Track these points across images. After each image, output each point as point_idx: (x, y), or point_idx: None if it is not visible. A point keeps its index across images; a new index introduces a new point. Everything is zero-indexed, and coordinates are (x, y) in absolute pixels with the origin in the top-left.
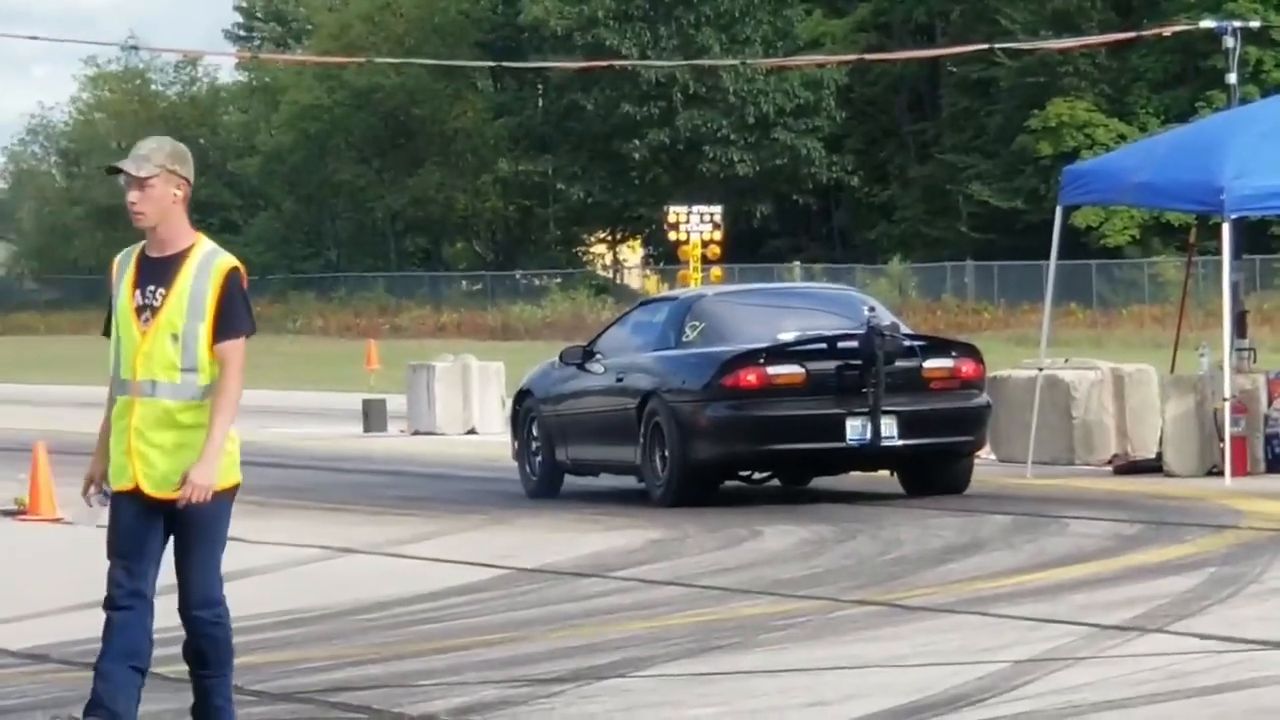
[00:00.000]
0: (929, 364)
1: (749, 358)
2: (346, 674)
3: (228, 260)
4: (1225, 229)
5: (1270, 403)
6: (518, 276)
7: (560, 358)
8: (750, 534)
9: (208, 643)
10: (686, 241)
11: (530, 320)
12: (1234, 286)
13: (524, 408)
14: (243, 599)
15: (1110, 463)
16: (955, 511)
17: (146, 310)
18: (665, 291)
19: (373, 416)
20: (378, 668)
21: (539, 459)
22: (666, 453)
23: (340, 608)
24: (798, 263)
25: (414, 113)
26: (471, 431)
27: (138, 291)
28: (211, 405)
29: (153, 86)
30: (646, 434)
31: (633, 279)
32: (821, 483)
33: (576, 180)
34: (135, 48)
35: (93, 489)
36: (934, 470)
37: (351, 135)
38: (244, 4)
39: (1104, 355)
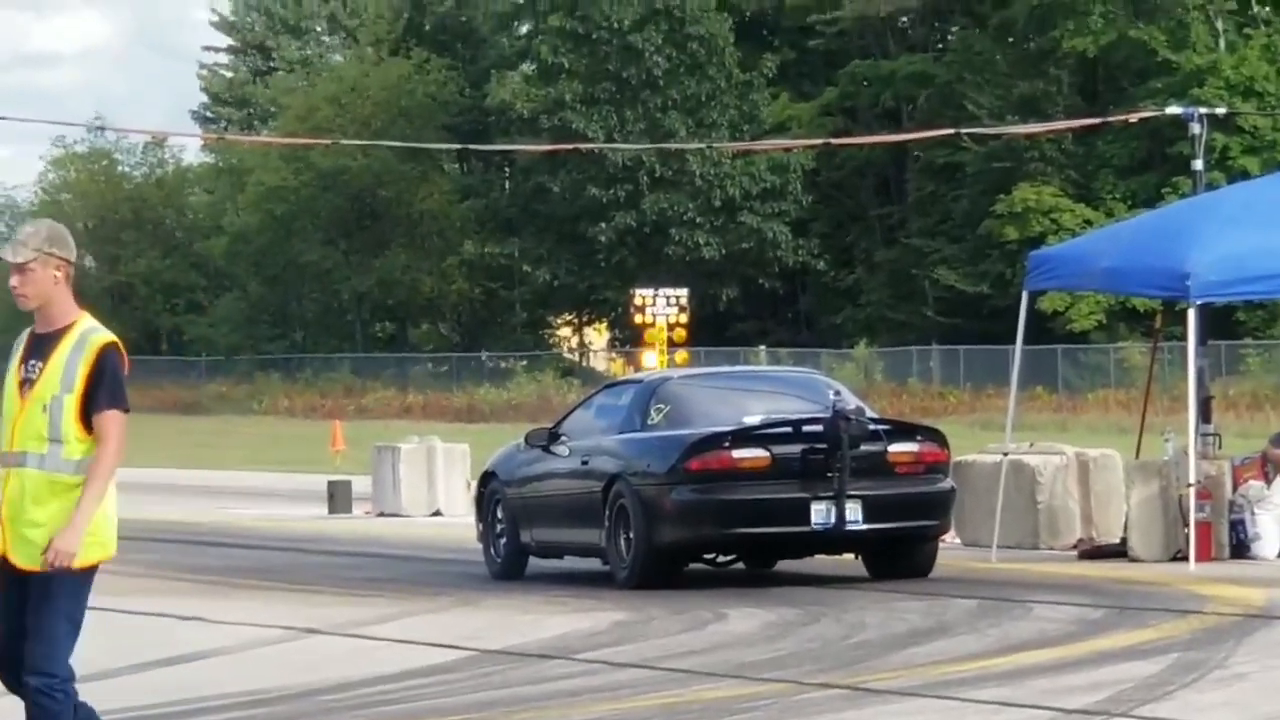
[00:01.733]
0: (894, 448)
1: (714, 441)
2: None
3: (104, 336)
4: (1191, 314)
5: (1234, 489)
6: (483, 358)
7: (525, 440)
8: (715, 616)
9: (37, 712)
10: (652, 324)
11: (496, 402)
12: (1199, 372)
13: (489, 490)
14: (206, 679)
15: (1075, 547)
16: (920, 595)
17: (27, 384)
18: (630, 374)
19: (338, 498)
20: None
21: (503, 540)
22: (631, 535)
23: (304, 688)
24: (763, 346)
25: (380, 194)
26: (436, 513)
27: (23, 366)
28: (87, 477)
29: (119, 167)
30: (611, 516)
31: (598, 361)
32: (787, 565)
33: (542, 262)
34: (102, 128)
35: None
36: (898, 554)
37: (318, 217)
38: (209, 86)
39: (1069, 440)
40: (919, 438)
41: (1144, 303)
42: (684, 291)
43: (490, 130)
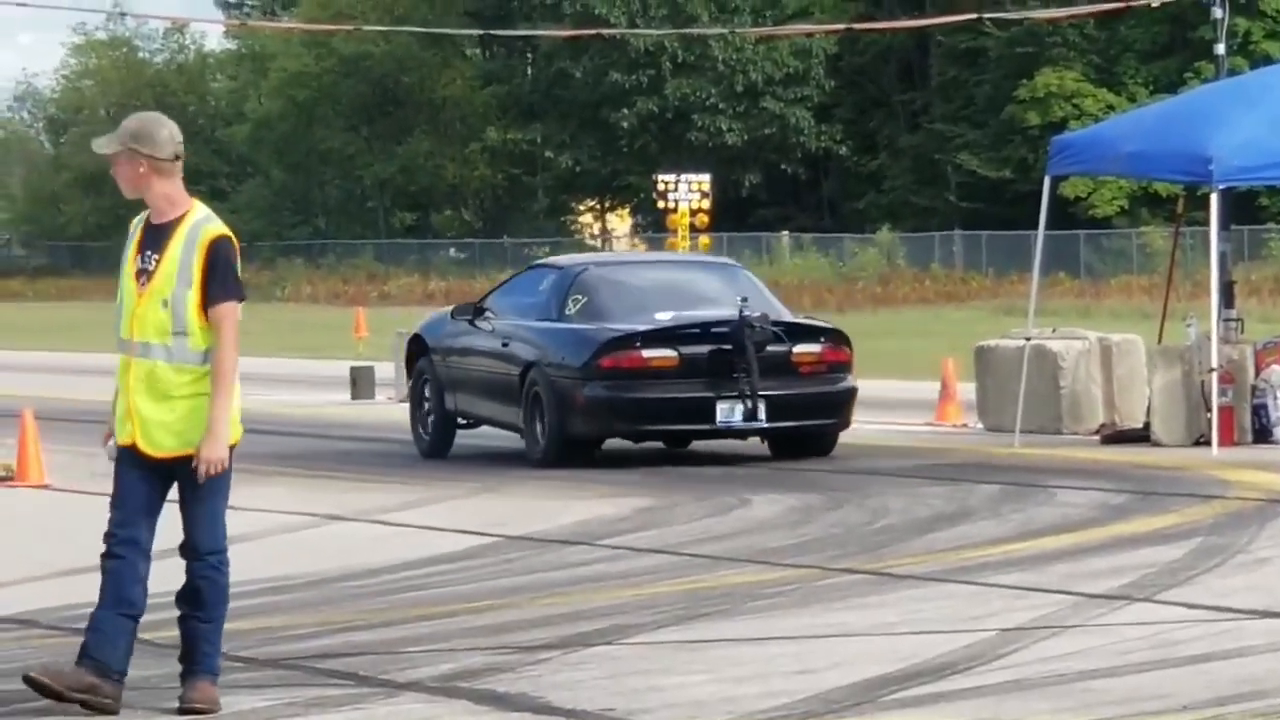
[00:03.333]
0: (798, 349)
1: (626, 340)
2: (334, 640)
3: (215, 228)
4: (1214, 199)
5: (1257, 373)
6: (506, 244)
7: (452, 312)
8: (739, 502)
9: (205, 584)
10: (675, 210)
11: None
12: (1222, 257)
13: (418, 362)
14: (230, 566)
15: (1097, 432)
16: (942, 480)
17: (144, 275)
18: (551, 257)
19: (360, 384)
20: (365, 634)
21: (428, 407)
22: (545, 421)
23: (328, 575)
24: (786, 233)
25: (402, 81)
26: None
27: (139, 255)
28: (210, 377)
29: (140, 54)
30: (527, 401)
31: (621, 247)
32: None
33: (565, 148)
34: (123, 14)
35: (111, 440)
36: (802, 444)
37: (340, 103)
38: None
39: (1091, 325)
40: (822, 339)
41: (1166, 187)
42: (706, 177)
43: (512, 16)
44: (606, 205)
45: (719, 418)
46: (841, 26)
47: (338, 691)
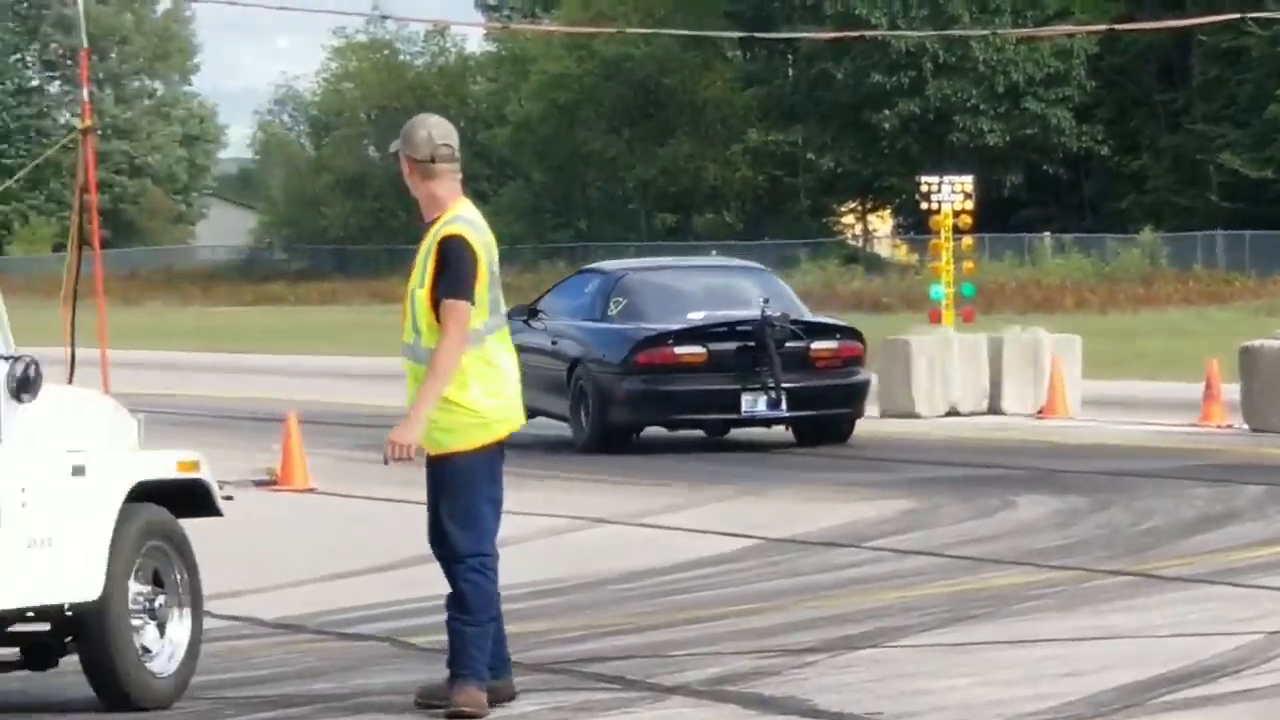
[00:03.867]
0: (815, 345)
1: (660, 339)
2: (600, 644)
3: (448, 228)
4: None
5: None
6: (767, 246)
7: (508, 315)
8: (1003, 504)
9: (464, 587)
10: (938, 211)
11: None
12: None
13: None
14: (500, 568)
15: None
16: (1208, 481)
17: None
18: (598, 263)
19: None
20: (631, 638)
21: None
22: (589, 412)
23: (594, 578)
24: (1047, 234)
25: (664, 83)
26: None
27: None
28: (427, 368)
29: (400, 57)
30: (574, 394)
31: (882, 248)
32: (1078, 454)
33: (826, 150)
34: (383, 17)
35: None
36: (820, 430)
37: (601, 105)
38: None
39: None
40: (837, 336)
41: None
42: (969, 179)
43: (773, 17)
44: (868, 207)
45: (744, 408)
46: (1103, 27)
47: (605, 695)
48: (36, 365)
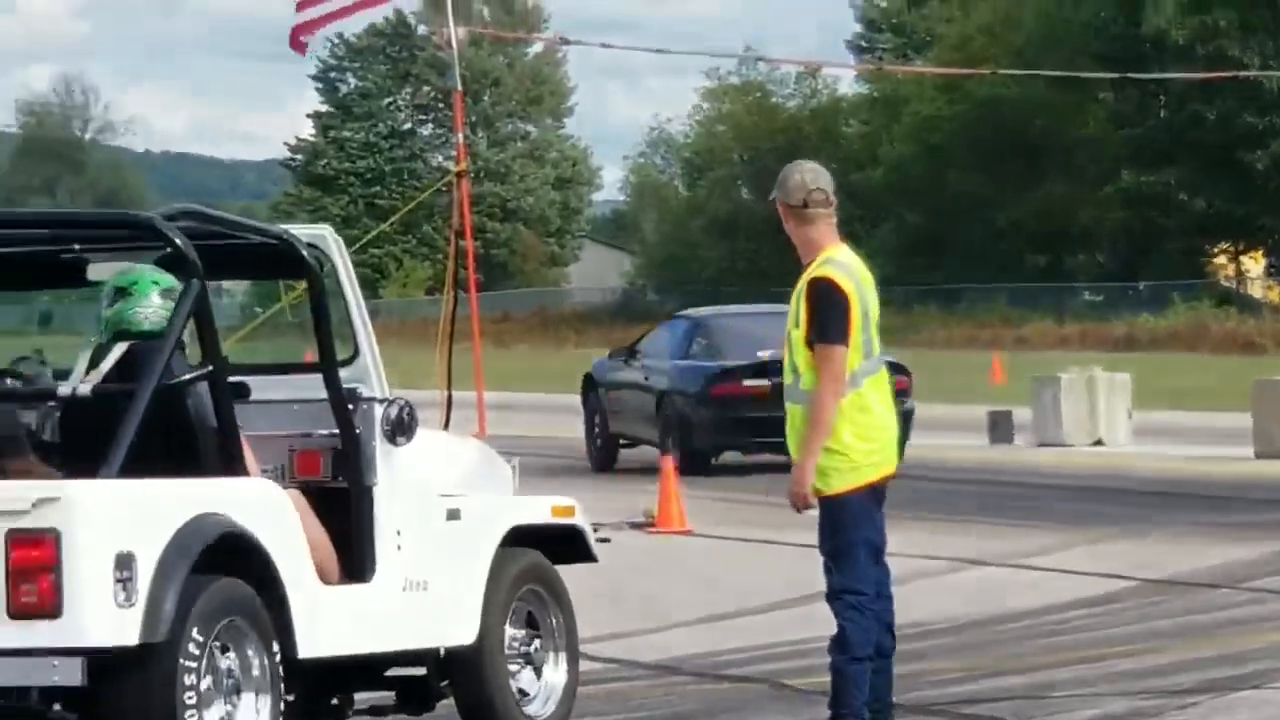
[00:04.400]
0: None
1: (731, 373)
2: (979, 686)
3: (814, 271)
4: None
5: None
6: (1140, 287)
7: (609, 354)
8: None
9: (842, 623)
10: None
11: (1154, 330)
12: None
13: (589, 393)
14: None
15: None
16: None
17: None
18: (690, 310)
19: (999, 428)
20: (1009, 679)
21: (597, 430)
22: (675, 438)
23: (970, 619)
24: None
25: (1035, 124)
26: (1098, 442)
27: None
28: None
29: (773, 98)
30: (662, 422)
31: (1255, 289)
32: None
33: (1198, 191)
34: (756, 59)
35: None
36: None
37: (972, 146)
38: (866, 16)
39: None
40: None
41: None
42: None
43: (1145, 58)
44: (1240, 248)
45: None
46: None
47: None
48: (411, 409)
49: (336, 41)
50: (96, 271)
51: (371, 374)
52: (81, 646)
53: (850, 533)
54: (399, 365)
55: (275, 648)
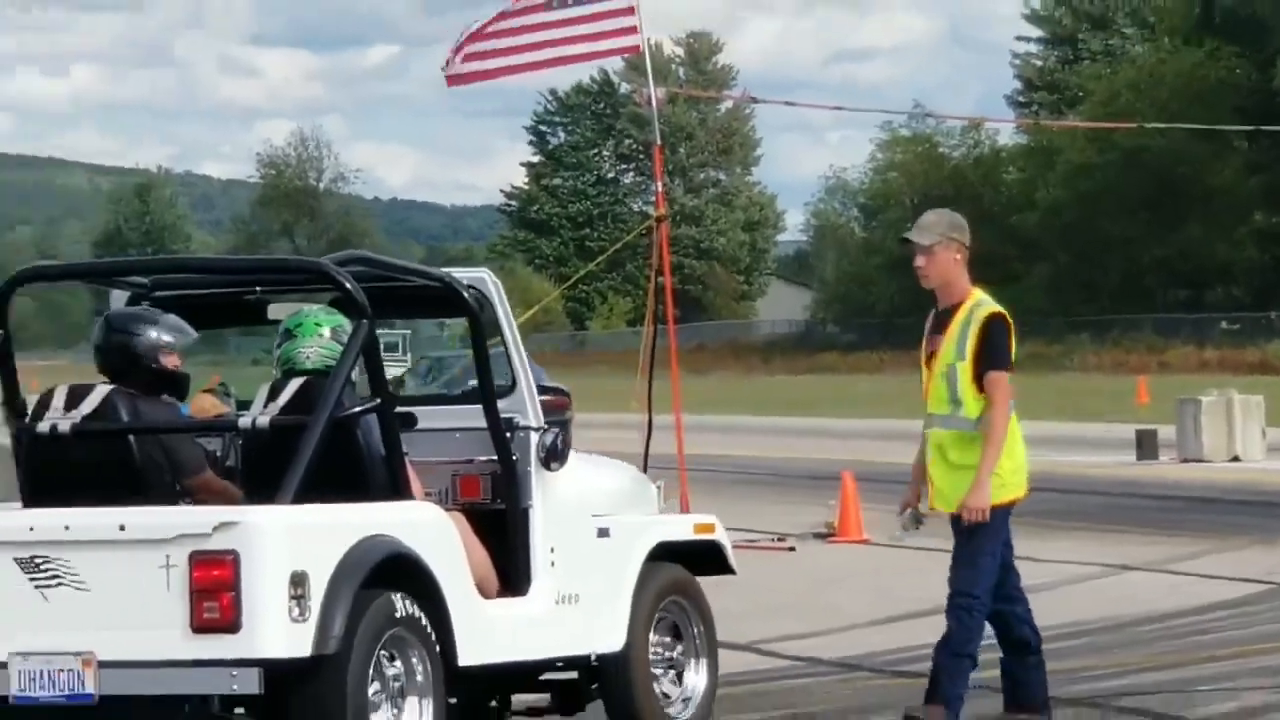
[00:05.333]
0: None
1: None
2: (1128, 681)
3: (990, 308)
4: None
5: None
6: (1273, 317)
7: None
8: None
9: (950, 621)
10: None
11: None
12: None
13: None
14: (1035, 610)
15: None
16: None
17: (932, 355)
18: None
19: (1145, 445)
20: (1157, 675)
21: None
22: None
23: (1119, 620)
24: None
25: (1176, 171)
26: (1235, 459)
27: (928, 340)
28: (981, 437)
29: (940, 149)
30: None
31: None
32: None
33: None
34: (926, 115)
35: (907, 511)
36: None
37: (1121, 192)
38: (1024, 74)
39: None
40: None
41: None
42: None
43: (1277, 110)
44: None
45: None
46: None
47: None
48: (563, 435)
49: (548, 98)
50: (275, 311)
51: (527, 405)
52: (258, 658)
53: (988, 543)
54: (604, 391)
55: (438, 656)
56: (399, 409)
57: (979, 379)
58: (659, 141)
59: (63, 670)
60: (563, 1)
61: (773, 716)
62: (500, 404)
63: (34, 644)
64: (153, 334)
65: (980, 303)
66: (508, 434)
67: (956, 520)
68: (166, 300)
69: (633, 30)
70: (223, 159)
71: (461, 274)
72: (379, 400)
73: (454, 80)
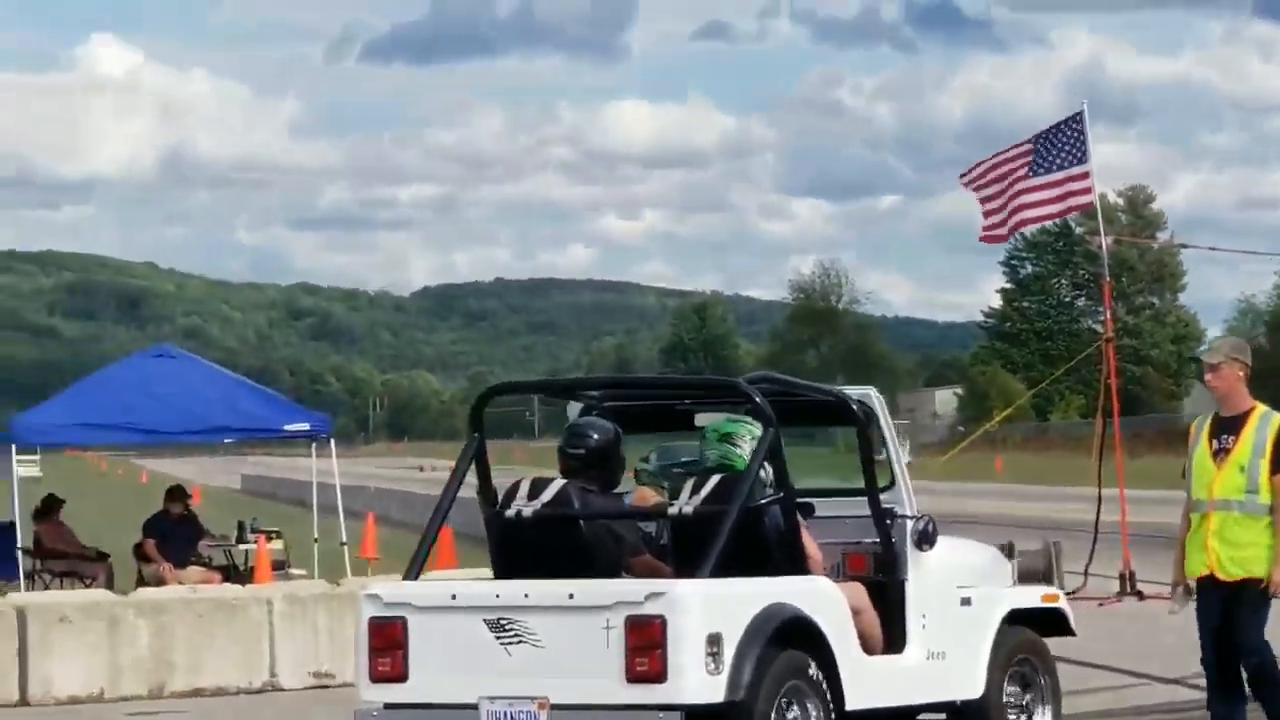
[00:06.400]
0: None
1: None
2: None
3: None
4: None
5: None
6: None
7: None
8: None
9: (1250, 676)
10: None
11: None
12: None
13: None
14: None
15: None
16: None
17: (1221, 453)
18: None
19: None
20: None
21: None
22: None
23: None
24: None
25: None
26: None
27: (1213, 440)
28: (1273, 522)
29: None
30: None
31: None
32: None
33: None
34: None
35: (1179, 588)
36: None
37: None
38: None
39: None
40: None
41: None
42: None
43: None
44: None
45: None
46: None
47: None
48: (934, 523)
49: (1018, 238)
50: (701, 419)
51: (904, 497)
52: (681, 703)
53: (1268, 605)
54: (1060, 470)
55: (829, 704)
56: (800, 499)
57: (1273, 473)
58: (1108, 277)
59: (523, 711)
60: (1039, 170)
61: None
62: (882, 496)
63: (499, 689)
64: (602, 439)
65: (1268, 413)
66: (888, 521)
67: (1228, 587)
68: (614, 410)
69: (1088, 191)
70: (763, 285)
71: (851, 390)
72: (782, 493)
73: (987, 239)
